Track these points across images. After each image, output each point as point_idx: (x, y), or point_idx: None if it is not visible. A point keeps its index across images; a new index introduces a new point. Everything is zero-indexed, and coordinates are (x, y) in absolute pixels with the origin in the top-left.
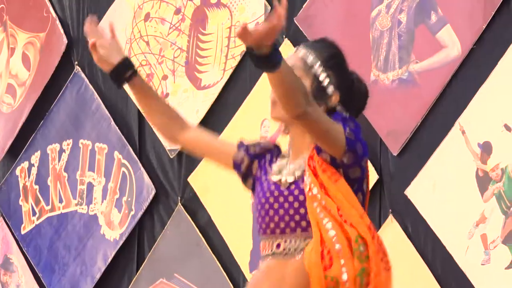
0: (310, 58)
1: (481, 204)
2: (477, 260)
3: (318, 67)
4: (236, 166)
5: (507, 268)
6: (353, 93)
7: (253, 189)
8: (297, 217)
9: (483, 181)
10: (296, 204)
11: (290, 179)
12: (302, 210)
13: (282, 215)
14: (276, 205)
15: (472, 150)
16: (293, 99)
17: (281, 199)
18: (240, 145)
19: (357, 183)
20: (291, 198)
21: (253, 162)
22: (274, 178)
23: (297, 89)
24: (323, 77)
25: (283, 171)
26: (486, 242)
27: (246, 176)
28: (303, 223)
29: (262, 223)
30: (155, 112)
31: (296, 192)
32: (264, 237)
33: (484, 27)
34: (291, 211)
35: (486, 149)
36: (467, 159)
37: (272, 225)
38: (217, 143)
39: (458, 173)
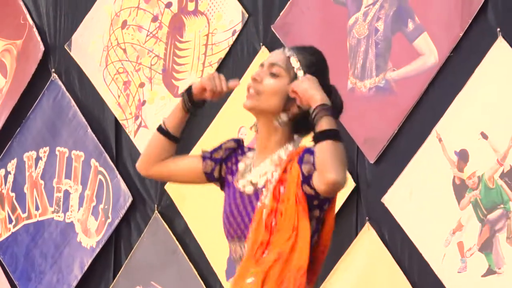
0: (294, 60)
1: (457, 212)
2: (453, 268)
3: (299, 69)
4: (209, 176)
5: (484, 276)
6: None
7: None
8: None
9: (460, 189)
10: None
11: (250, 190)
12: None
13: (247, 223)
14: (243, 212)
15: (449, 158)
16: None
17: (245, 207)
18: (204, 155)
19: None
20: (252, 206)
21: (221, 166)
22: (239, 184)
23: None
24: None
25: (246, 175)
26: (462, 250)
27: (222, 181)
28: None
29: (230, 229)
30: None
31: (255, 202)
32: (232, 241)
33: (461, 35)
34: (246, 219)
35: (462, 157)
36: (443, 167)
37: (239, 231)
38: (183, 164)
39: (435, 181)
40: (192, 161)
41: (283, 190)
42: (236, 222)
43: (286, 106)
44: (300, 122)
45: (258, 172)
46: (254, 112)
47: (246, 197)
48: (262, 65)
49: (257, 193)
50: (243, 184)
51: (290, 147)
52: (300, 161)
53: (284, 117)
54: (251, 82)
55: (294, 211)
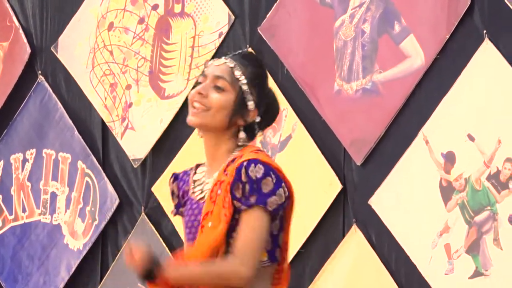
0: (238, 73)
1: (444, 214)
2: (440, 270)
3: (244, 83)
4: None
5: (471, 277)
6: (269, 111)
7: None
8: None
9: (447, 190)
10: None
11: (200, 196)
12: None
13: (192, 230)
14: (196, 218)
15: (436, 160)
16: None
17: (198, 214)
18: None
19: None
20: (198, 216)
21: (180, 201)
22: (196, 195)
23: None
24: (247, 94)
25: (203, 187)
26: (449, 251)
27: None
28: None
29: (189, 235)
30: None
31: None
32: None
33: (447, 37)
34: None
35: (449, 158)
36: (430, 169)
37: (190, 236)
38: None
39: (422, 183)
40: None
41: (220, 192)
42: (194, 227)
43: (231, 121)
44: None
45: (206, 180)
46: (201, 128)
47: (199, 203)
48: (204, 76)
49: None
50: (196, 193)
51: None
52: (237, 178)
53: (242, 135)
54: (196, 96)
55: (219, 215)
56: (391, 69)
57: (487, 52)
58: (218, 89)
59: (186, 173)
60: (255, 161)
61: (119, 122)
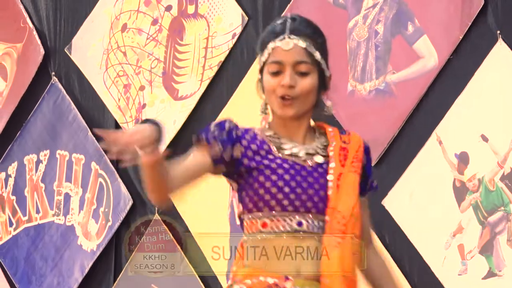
0: (313, 51)
1: (458, 214)
2: (454, 271)
3: (320, 59)
4: (217, 161)
5: (484, 278)
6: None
7: (238, 171)
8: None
9: (460, 191)
10: (319, 187)
11: (313, 162)
12: (322, 193)
13: (322, 195)
14: (305, 184)
15: (449, 160)
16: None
17: (310, 179)
18: (209, 141)
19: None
20: (321, 179)
21: (233, 147)
22: (296, 158)
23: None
24: (324, 66)
25: (299, 151)
26: (463, 252)
27: (236, 163)
28: (321, 205)
29: (296, 201)
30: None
31: (321, 172)
32: (292, 214)
33: (461, 37)
34: (322, 193)
35: (463, 159)
36: (444, 170)
37: (309, 203)
38: (191, 165)
39: (435, 184)
40: (195, 157)
41: (345, 159)
42: (307, 194)
43: (319, 97)
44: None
45: (303, 148)
46: (295, 117)
47: (310, 170)
48: (280, 63)
49: (320, 166)
50: (302, 155)
51: (321, 131)
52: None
53: (329, 103)
54: (287, 90)
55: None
56: (405, 70)
57: (500, 53)
58: (303, 74)
59: (247, 131)
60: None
61: (132, 123)
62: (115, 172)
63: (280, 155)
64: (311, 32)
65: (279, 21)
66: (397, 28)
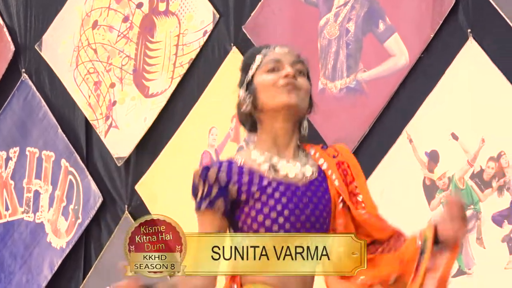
0: (306, 61)
1: (428, 212)
2: None
3: (308, 71)
4: (225, 213)
5: (454, 276)
6: None
7: (241, 206)
8: (321, 220)
9: (430, 189)
10: (318, 200)
11: (305, 180)
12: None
13: (317, 214)
14: (311, 205)
15: (419, 158)
16: None
17: (311, 198)
18: (211, 206)
19: None
20: (317, 196)
21: (227, 194)
22: (285, 177)
23: None
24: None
25: (283, 168)
26: None
27: (235, 204)
28: (325, 226)
29: (297, 223)
30: None
31: (317, 187)
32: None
33: (432, 36)
34: (317, 212)
35: (433, 157)
36: (414, 168)
37: (307, 224)
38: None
39: (406, 182)
40: (213, 227)
41: (345, 172)
42: (305, 214)
43: (309, 107)
44: None
45: (295, 165)
46: (293, 111)
47: (303, 188)
48: (278, 60)
49: (312, 183)
50: (295, 174)
51: (311, 147)
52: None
53: (306, 123)
54: (291, 79)
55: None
56: (376, 68)
57: (471, 51)
58: (301, 73)
59: (230, 166)
60: None
61: (103, 121)
62: (85, 169)
63: (273, 177)
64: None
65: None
66: (368, 26)
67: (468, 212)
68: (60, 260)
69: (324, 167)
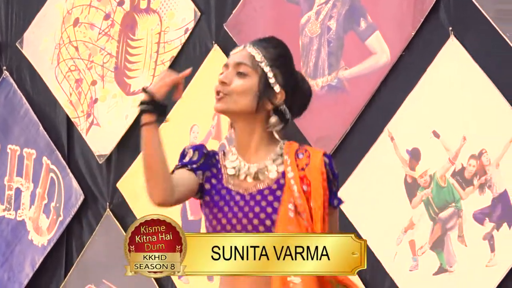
0: (258, 56)
1: (409, 210)
2: (405, 266)
3: (265, 65)
4: (200, 187)
5: (435, 274)
6: (298, 92)
7: (203, 195)
8: (261, 228)
9: (412, 187)
10: (262, 215)
11: (254, 190)
12: (268, 222)
13: (245, 225)
14: (240, 215)
15: (401, 156)
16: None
17: (246, 209)
18: (193, 167)
19: None
20: (257, 209)
21: (203, 174)
22: (238, 187)
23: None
24: (270, 75)
25: (240, 177)
26: (414, 248)
27: (201, 189)
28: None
29: (222, 231)
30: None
31: (270, 198)
32: None
33: (413, 34)
34: (256, 221)
35: (414, 155)
36: (395, 166)
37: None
38: (187, 182)
39: (387, 179)
40: (188, 176)
41: (306, 189)
42: (242, 224)
43: (259, 105)
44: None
45: (259, 168)
46: (228, 114)
47: (248, 197)
48: (226, 65)
49: (262, 192)
50: (239, 184)
51: (280, 142)
52: (332, 173)
53: (273, 119)
54: (220, 86)
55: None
56: (357, 66)
57: (452, 49)
58: (240, 74)
59: (214, 155)
60: (329, 157)
61: (84, 118)
62: (67, 167)
63: (227, 184)
64: (266, 44)
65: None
66: (350, 24)
67: (450, 210)
68: (41, 257)
69: (289, 175)
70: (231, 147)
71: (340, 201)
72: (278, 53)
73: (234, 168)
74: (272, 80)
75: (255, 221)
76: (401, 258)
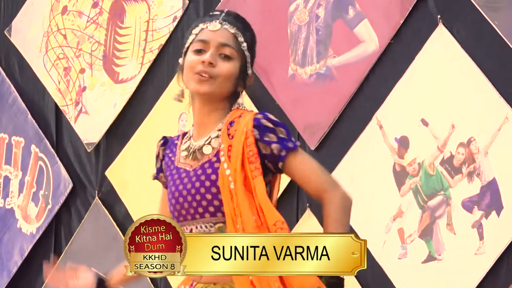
0: (241, 39)
1: (398, 198)
2: (394, 254)
3: (246, 50)
4: (157, 174)
5: (424, 262)
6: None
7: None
8: (204, 203)
9: (400, 175)
10: (202, 190)
11: (197, 164)
12: (208, 196)
13: (198, 200)
14: (184, 192)
15: (390, 144)
16: None
17: (189, 186)
18: (158, 177)
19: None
20: (198, 184)
21: (162, 167)
22: (184, 164)
23: None
24: (249, 60)
25: (191, 150)
26: (403, 236)
27: (165, 178)
28: (211, 209)
29: (182, 210)
30: None
31: (208, 171)
32: (183, 224)
33: (401, 22)
34: (198, 197)
35: (403, 143)
36: (384, 154)
37: (183, 212)
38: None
39: (376, 168)
40: (164, 192)
41: (233, 155)
42: (187, 202)
43: (236, 88)
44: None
45: (199, 144)
46: (207, 96)
47: (192, 173)
48: (205, 42)
49: (203, 166)
50: (189, 162)
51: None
52: (267, 125)
53: (240, 100)
54: (206, 67)
55: (242, 175)
56: (345, 54)
57: (441, 37)
58: (226, 57)
59: (173, 141)
60: (263, 113)
61: (72, 106)
62: (55, 155)
63: (177, 164)
64: (242, 26)
65: (215, 12)
66: (338, 12)
67: (439, 198)
68: (30, 245)
69: (221, 147)
70: (191, 128)
71: (295, 144)
72: (253, 36)
73: (186, 149)
74: (249, 64)
75: (198, 197)
76: (390, 246)
